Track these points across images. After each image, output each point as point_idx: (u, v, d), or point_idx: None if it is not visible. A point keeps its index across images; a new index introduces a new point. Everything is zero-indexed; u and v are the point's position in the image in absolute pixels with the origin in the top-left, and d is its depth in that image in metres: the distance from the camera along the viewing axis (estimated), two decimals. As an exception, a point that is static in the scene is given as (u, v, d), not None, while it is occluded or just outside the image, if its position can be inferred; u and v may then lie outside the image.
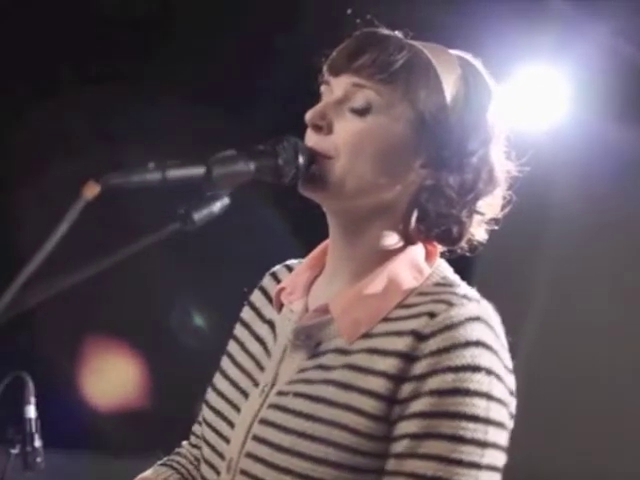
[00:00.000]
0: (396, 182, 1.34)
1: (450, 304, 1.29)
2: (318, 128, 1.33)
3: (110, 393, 2.77)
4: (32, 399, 2.25)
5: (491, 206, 1.40)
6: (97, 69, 3.25)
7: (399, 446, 1.26)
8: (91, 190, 1.12)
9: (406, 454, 1.25)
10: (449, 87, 1.33)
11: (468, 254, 1.43)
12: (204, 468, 1.42)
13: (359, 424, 1.26)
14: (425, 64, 1.33)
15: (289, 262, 1.54)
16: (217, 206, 1.22)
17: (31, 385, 2.26)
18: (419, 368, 1.26)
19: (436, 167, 1.34)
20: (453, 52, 1.40)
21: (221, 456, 1.37)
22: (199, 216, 1.20)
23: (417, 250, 1.38)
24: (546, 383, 3.71)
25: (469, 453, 1.24)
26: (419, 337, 1.27)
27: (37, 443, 2.21)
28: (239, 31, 3.21)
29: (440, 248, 1.41)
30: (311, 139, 1.34)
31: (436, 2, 3.03)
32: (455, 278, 1.39)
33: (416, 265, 1.36)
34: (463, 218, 1.36)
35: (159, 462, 1.58)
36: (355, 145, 1.32)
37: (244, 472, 1.32)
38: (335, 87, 1.35)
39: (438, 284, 1.35)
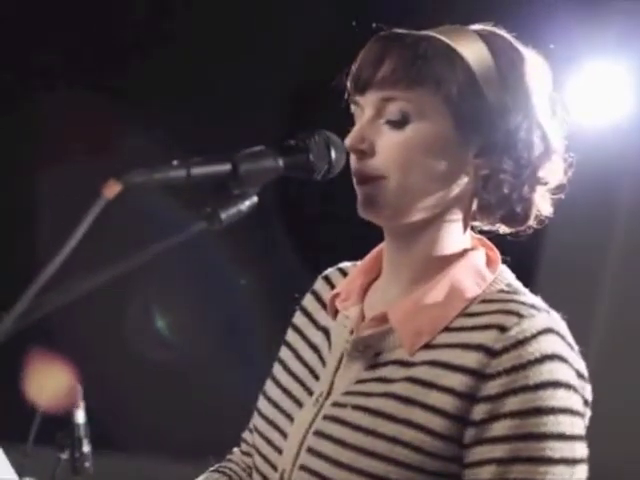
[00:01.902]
0: (453, 182, 1.30)
1: (520, 316, 1.24)
2: (361, 152, 1.28)
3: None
4: (81, 404, 2.25)
5: (552, 172, 1.34)
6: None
7: (485, 472, 1.20)
8: (112, 189, 1.09)
9: None
10: (478, 67, 1.27)
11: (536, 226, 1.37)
12: (256, 477, 1.39)
13: (423, 442, 1.21)
14: (447, 52, 1.27)
15: (342, 265, 1.49)
16: (245, 205, 1.17)
17: (80, 390, 2.26)
18: (493, 388, 1.20)
19: (488, 153, 1.29)
20: (471, 27, 1.34)
21: (273, 467, 1.33)
22: (226, 215, 1.16)
23: (478, 255, 1.33)
24: (615, 390, 3.60)
25: (560, 473, 1.20)
26: (490, 353, 1.21)
27: (85, 448, 2.20)
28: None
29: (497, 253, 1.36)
30: (357, 165, 1.29)
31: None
32: (519, 285, 1.33)
33: (478, 271, 1.31)
34: (525, 195, 1.31)
35: (211, 468, 1.55)
36: (403, 159, 1.27)
37: None
38: (365, 105, 1.30)
39: (502, 291, 1.30)
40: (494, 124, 1.27)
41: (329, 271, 1.49)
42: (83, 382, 2.29)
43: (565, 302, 1.33)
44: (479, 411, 1.20)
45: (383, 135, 1.28)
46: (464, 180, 1.30)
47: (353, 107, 1.33)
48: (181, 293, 3.04)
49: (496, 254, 1.36)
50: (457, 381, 1.21)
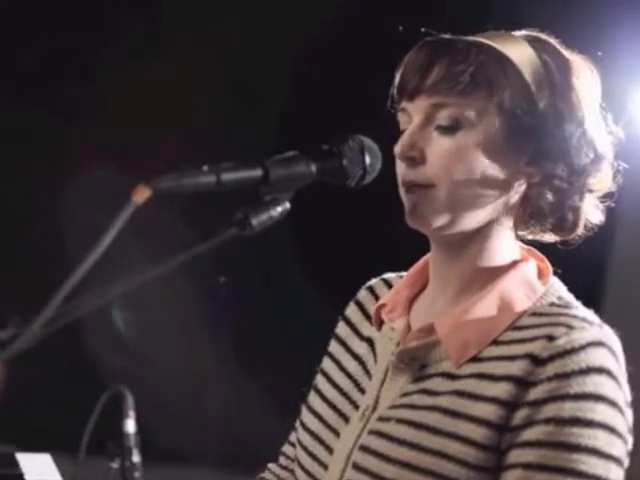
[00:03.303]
0: (504, 190, 1.27)
1: (570, 327, 1.20)
2: (411, 160, 1.25)
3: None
4: (131, 413, 2.26)
5: (601, 181, 1.31)
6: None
7: (510, 476, 1.17)
8: (141, 194, 1.08)
9: None
10: (529, 74, 1.25)
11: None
12: None
13: (468, 455, 1.18)
14: (498, 58, 1.24)
15: (386, 276, 1.46)
16: (277, 211, 1.16)
17: (130, 399, 2.27)
18: (534, 394, 1.17)
19: (540, 161, 1.26)
20: (517, 33, 1.31)
21: None
22: (258, 221, 1.14)
23: (529, 267, 1.29)
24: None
25: None
26: (536, 361, 1.18)
27: (135, 458, 2.21)
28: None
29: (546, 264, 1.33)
30: (406, 173, 1.26)
31: (567, 5, 2.95)
32: (571, 298, 1.29)
33: (529, 283, 1.27)
34: (576, 202, 1.28)
35: None
36: (454, 167, 1.24)
37: None
38: (413, 112, 1.27)
39: (553, 304, 1.26)
40: (546, 131, 1.25)
41: (373, 282, 1.46)
42: (133, 392, 2.30)
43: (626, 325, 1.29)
44: (518, 417, 1.17)
45: (433, 142, 1.25)
46: (515, 188, 1.27)
47: (400, 115, 1.30)
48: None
49: (547, 266, 1.32)
50: (501, 390, 1.19)
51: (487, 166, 1.25)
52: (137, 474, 2.21)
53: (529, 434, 1.16)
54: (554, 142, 1.25)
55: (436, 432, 1.20)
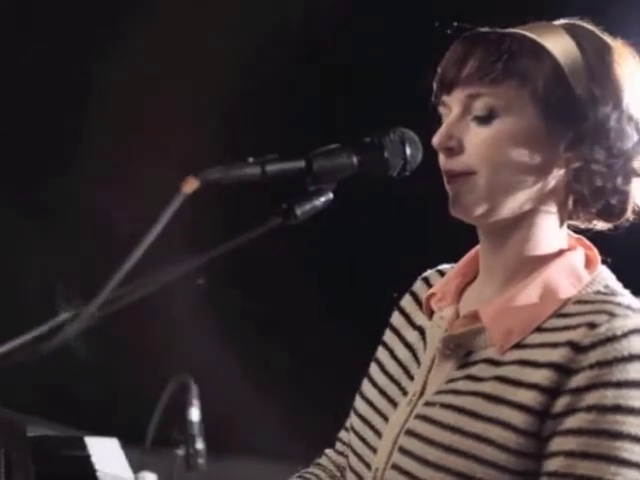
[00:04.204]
0: (544, 176, 1.28)
1: (612, 314, 1.21)
2: (449, 150, 1.29)
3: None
4: (195, 402, 2.32)
5: None
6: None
7: (552, 464, 1.18)
8: (190, 185, 1.14)
9: (560, 473, 1.17)
10: (564, 59, 1.26)
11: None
12: (350, 476, 1.40)
13: (508, 439, 1.20)
14: (532, 47, 1.27)
15: (441, 267, 1.49)
16: (320, 201, 1.20)
17: (195, 388, 2.34)
18: (576, 381, 1.18)
19: (579, 145, 1.27)
20: (556, 23, 1.33)
21: (368, 466, 1.35)
22: (302, 211, 1.19)
23: (576, 256, 1.31)
24: None
25: (632, 478, 1.15)
26: (577, 348, 1.19)
27: (199, 445, 2.28)
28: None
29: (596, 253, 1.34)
30: (446, 163, 1.30)
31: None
32: (618, 287, 1.30)
33: (574, 271, 1.29)
34: (620, 186, 1.28)
35: (296, 474, 1.55)
36: (491, 154, 1.27)
37: None
38: (452, 104, 1.30)
39: (599, 292, 1.27)
40: (583, 115, 1.26)
41: (428, 272, 1.50)
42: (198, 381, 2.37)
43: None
44: (559, 404, 1.18)
45: (470, 131, 1.28)
46: (555, 174, 1.29)
47: (441, 108, 1.33)
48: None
49: (595, 254, 1.33)
50: (543, 376, 1.20)
51: (525, 153, 1.27)
52: (201, 461, 2.27)
53: (571, 422, 1.17)
54: (591, 125, 1.26)
55: (478, 417, 1.22)
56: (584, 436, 1.16)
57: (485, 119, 1.27)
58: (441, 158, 1.31)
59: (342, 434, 1.56)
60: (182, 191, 1.13)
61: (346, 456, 1.46)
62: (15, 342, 1.10)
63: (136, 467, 2.09)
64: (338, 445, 1.57)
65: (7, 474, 1.58)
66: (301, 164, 1.19)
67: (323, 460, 1.58)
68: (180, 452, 2.30)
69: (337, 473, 1.54)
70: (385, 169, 1.26)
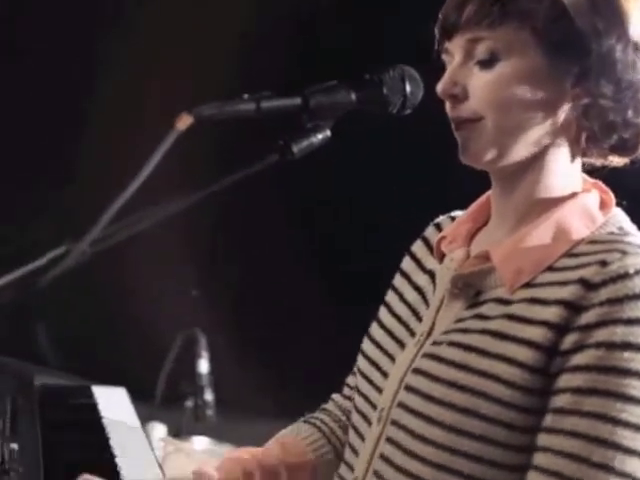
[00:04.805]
0: (552, 115, 1.25)
1: (624, 253, 1.19)
2: (454, 97, 1.26)
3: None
4: (204, 354, 2.33)
5: None
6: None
7: (559, 401, 1.15)
8: (184, 121, 1.12)
9: (567, 410, 1.15)
10: None
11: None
12: (355, 417, 1.39)
13: (514, 376, 1.18)
14: None
15: (454, 213, 1.47)
16: (317, 138, 1.19)
17: (203, 341, 2.34)
18: (586, 318, 1.16)
19: (585, 80, 1.24)
20: None
21: (373, 406, 1.34)
22: (298, 148, 1.17)
23: (590, 198, 1.28)
24: None
25: (638, 415, 1.13)
26: (588, 286, 1.17)
27: (208, 397, 2.28)
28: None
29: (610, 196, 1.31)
30: (452, 110, 1.27)
31: None
32: (632, 228, 1.28)
33: (588, 213, 1.27)
34: (631, 119, 1.25)
35: (301, 419, 1.56)
36: (497, 97, 1.24)
37: (394, 422, 1.26)
38: (454, 50, 1.28)
39: (612, 233, 1.25)
40: (587, 49, 1.23)
41: (441, 218, 1.48)
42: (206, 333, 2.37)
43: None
44: (568, 341, 1.16)
45: (474, 77, 1.26)
46: (563, 112, 1.26)
47: (444, 56, 1.31)
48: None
49: (610, 197, 1.30)
50: (552, 313, 1.18)
51: (530, 93, 1.24)
52: (210, 412, 2.28)
53: (579, 358, 1.15)
54: (595, 60, 1.23)
55: (484, 354, 1.21)
56: (592, 373, 1.14)
57: (487, 63, 1.25)
58: (447, 106, 1.28)
59: (349, 379, 1.55)
60: (176, 128, 1.11)
61: (353, 400, 1.45)
62: (8, 278, 1.10)
63: (145, 419, 2.10)
64: (345, 390, 1.57)
65: (12, 420, 1.58)
66: (297, 101, 1.17)
67: (329, 405, 1.58)
68: (189, 404, 2.31)
69: (342, 417, 1.54)
70: (384, 106, 1.24)
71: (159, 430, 2.26)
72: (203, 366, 2.31)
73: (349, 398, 1.53)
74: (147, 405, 2.31)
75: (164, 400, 2.39)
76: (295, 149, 1.17)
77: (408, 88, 1.25)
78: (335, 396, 1.58)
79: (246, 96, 1.15)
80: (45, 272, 1.09)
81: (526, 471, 1.15)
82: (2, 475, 1.34)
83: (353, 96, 1.21)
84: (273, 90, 1.19)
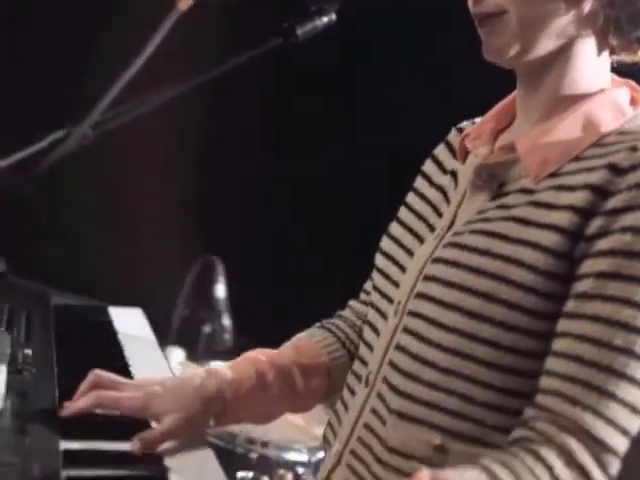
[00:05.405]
0: (577, 6, 1.22)
1: None
2: None
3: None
4: (221, 279, 2.32)
5: None
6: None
7: (581, 286, 1.12)
8: (185, 1, 1.11)
9: (589, 294, 1.11)
10: None
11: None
12: (371, 314, 1.38)
13: (537, 260, 1.15)
14: None
15: (477, 119, 1.45)
16: (322, 21, 1.17)
17: (220, 267, 2.34)
18: (612, 203, 1.13)
19: None
20: None
21: (390, 300, 1.33)
22: (302, 30, 1.15)
23: (620, 93, 1.26)
24: None
25: None
26: (616, 170, 1.14)
27: (225, 321, 2.28)
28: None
29: None
30: (475, 6, 1.24)
31: None
32: None
33: (618, 106, 1.24)
34: None
35: (317, 324, 1.56)
36: None
37: (412, 313, 1.25)
38: None
39: None
40: None
41: (464, 123, 1.46)
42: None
43: None
44: (593, 226, 1.14)
45: None
46: (589, 1, 1.22)
47: None
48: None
49: None
50: (578, 198, 1.15)
51: None
52: (227, 336, 2.28)
53: (604, 243, 1.12)
54: None
55: (508, 239, 1.18)
56: (617, 257, 1.11)
57: None
58: (470, 2, 1.25)
59: (366, 284, 1.54)
60: (177, 8, 1.10)
61: (369, 304, 1.43)
62: (9, 160, 1.09)
63: (163, 344, 2.10)
64: (362, 295, 1.55)
65: (27, 331, 1.58)
66: (300, -20, 1.15)
67: (345, 312, 1.57)
68: (207, 329, 2.31)
69: (358, 322, 1.52)
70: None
71: (177, 355, 2.27)
72: (220, 291, 2.31)
73: (365, 303, 1.51)
74: (165, 331, 2.31)
75: (182, 326, 2.39)
76: (299, 32, 1.15)
77: None
78: (352, 302, 1.58)
79: (248, -24, 1.13)
80: (46, 155, 1.08)
81: (545, 358, 1.13)
82: (16, 374, 1.34)
83: (358, -23, 1.19)
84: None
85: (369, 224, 1.57)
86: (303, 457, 2.02)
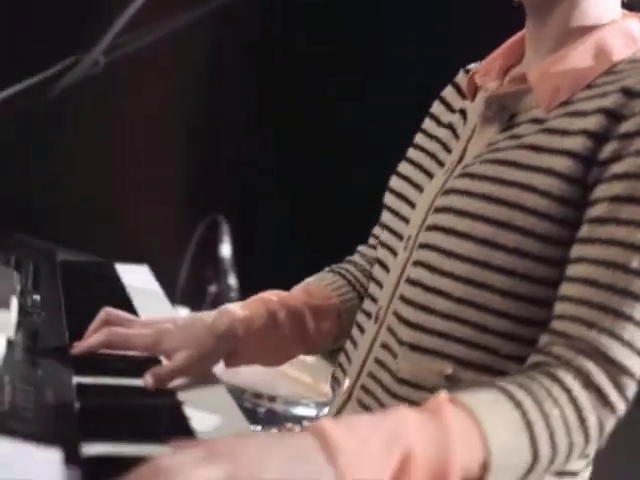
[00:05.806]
0: None
1: None
2: None
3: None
4: (226, 238, 2.32)
5: None
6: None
7: (595, 210, 1.11)
8: None
9: (604, 218, 1.09)
10: None
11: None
12: (381, 252, 1.37)
13: (551, 186, 1.13)
14: None
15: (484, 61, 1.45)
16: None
17: (225, 226, 2.33)
18: (625, 127, 1.11)
19: None
20: None
21: (399, 237, 1.32)
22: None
23: (631, 23, 1.24)
24: None
25: None
26: (629, 94, 1.13)
27: (231, 280, 2.28)
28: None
29: None
30: None
31: None
32: None
33: (629, 34, 1.22)
34: None
35: (326, 269, 1.56)
36: None
37: (423, 245, 1.23)
38: None
39: None
40: None
41: (471, 65, 1.46)
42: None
43: None
44: (607, 150, 1.12)
45: None
46: None
47: None
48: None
49: None
50: (591, 122, 1.14)
51: None
52: (233, 294, 2.28)
53: (618, 167, 1.10)
54: None
55: (520, 166, 1.17)
56: (631, 180, 1.09)
57: None
58: None
59: (375, 229, 1.53)
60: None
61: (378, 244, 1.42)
62: (20, 86, 1.08)
63: (171, 302, 2.09)
64: (371, 239, 1.55)
65: (35, 279, 1.58)
66: None
67: (355, 257, 1.56)
68: (212, 289, 2.30)
69: (367, 266, 1.52)
70: None
71: (183, 314, 2.26)
72: (225, 250, 2.30)
73: (374, 247, 1.51)
74: (171, 291, 2.31)
75: (187, 285, 2.39)
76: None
77: None
78: (361, 247, 1.57)
79: None
80: (56, 81, 1.07)
81: (559, 286, 1.11)
82: (26, 317, 1.34)
83: None
84: None
85: (378, 173, 1.55)
86: (311, 412, 2.01)
